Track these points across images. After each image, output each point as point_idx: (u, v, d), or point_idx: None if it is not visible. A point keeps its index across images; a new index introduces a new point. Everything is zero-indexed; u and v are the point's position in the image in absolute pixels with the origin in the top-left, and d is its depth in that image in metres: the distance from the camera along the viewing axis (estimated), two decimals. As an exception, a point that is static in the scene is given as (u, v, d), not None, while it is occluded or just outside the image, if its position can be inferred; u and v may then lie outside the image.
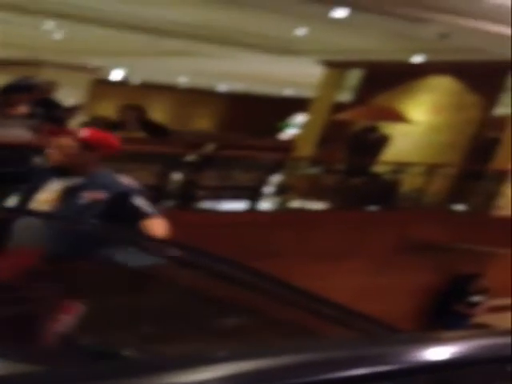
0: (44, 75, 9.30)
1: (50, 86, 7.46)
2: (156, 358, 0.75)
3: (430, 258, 8.10)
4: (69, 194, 3.61)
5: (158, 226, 3.48)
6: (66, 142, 3.64)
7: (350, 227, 7.98)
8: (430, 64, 10.41)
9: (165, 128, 9.62)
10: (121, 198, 3.57)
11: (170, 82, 18.92)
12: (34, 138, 6.17)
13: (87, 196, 3.59)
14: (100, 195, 3.59)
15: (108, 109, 19.10)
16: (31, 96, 6.14)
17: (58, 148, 3.64)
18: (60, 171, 3.67)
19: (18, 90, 6.06)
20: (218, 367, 0.73)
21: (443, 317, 8.54)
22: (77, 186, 3.63)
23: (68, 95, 7.77)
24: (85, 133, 3.73)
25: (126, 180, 3.81)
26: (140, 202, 3.58)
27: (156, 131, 8.64)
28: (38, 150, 6.58)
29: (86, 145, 3.64)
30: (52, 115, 6.53)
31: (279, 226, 7.50)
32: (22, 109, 6.05)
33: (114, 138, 3.92)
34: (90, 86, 12.56)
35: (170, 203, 7.20)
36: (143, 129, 8.45)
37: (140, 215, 3.52)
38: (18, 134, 6.05)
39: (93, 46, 12.20)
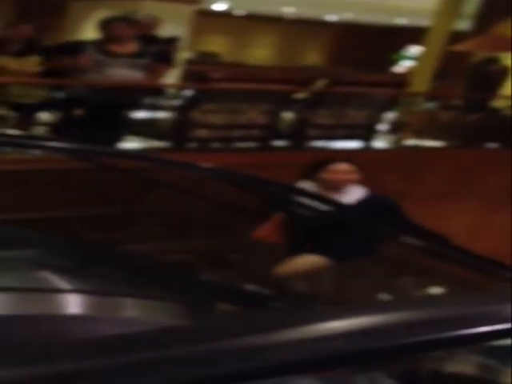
0: (144, 9, 9.14)
1: (153, 22, 7.16)
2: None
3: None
4: None
5: None
6: None
7: (467, 165, 7.72)
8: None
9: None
10: None
11: (275, 12, 18.48)
12: (144, 79, 6.05)
13: None
14: None
15: (212, 43, 18.93)
16: (134, 31, 5.93)
17: None
18: None
19: (118, 22, 5.82)
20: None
21: None
22: None
23: (170, 30, 7.58)
24: None
25: None
26: None
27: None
28: (149, 91, 6.56)
29: None
30: (162, 53, 6.38)
31: (394, 164, 7.31)
32: (130, 47, 5.87)
33: None
34: (192, 19, 12.32)
35: (282, 143, 7.09)
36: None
37: None
38: (128, 74, 5.90)
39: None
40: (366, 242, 3.82)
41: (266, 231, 4.11)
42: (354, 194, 4.18)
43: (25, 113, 5.91)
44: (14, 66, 5.71)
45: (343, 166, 4.24)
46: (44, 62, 5.85)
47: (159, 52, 6.24)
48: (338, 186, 4.17)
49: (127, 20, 6.00)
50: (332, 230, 3.77)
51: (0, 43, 5.83)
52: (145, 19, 7.04)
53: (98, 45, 5.75)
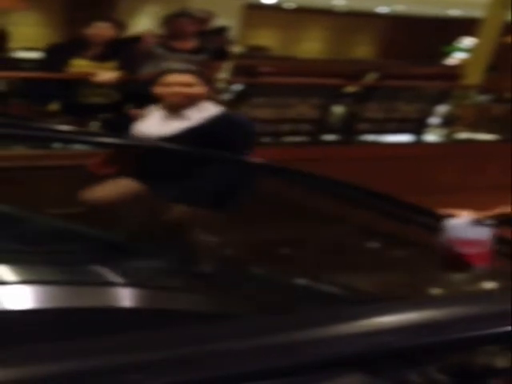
0: (194, 3, 9.13)
1: (208, 16, 7.11)
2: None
3: None
4: None
5: None
6: None
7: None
8: None
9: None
10: None
11: (325, 5, 18.33)
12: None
13: None
14: None
15: (261, 37, 18.89)
16: (196, 27, 5.93)
17: None
18: None
19: (181, 19, 5.82)
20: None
21: None
22: None
23: (220, 24, 7.55)
24: None
25: None
26: None
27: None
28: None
29: None
30: (220, 49, 6.35)
31: (445, 159, 7.23)
32: (191, 43, 5.87)
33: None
34: (242, 13, 12.26)
35: (332, 137, 7.06)
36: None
37: None
38: None
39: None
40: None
41: (95, 163, 3.73)
42: (201, 113, 3.49)
43: (86, 112, 5.69)
44: (91, 71, 5.39)
45: (177, 77, 3.46)
46: (120, 67, 5.51)
47: (218, 48, 6.22)
48: (179, 104, 3.47)
49: (191, 16, 5.99)
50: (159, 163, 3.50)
51: (78, 44, 5.48)
52: (201, 14, 7.01)
53: (159, 38, 5.75)
